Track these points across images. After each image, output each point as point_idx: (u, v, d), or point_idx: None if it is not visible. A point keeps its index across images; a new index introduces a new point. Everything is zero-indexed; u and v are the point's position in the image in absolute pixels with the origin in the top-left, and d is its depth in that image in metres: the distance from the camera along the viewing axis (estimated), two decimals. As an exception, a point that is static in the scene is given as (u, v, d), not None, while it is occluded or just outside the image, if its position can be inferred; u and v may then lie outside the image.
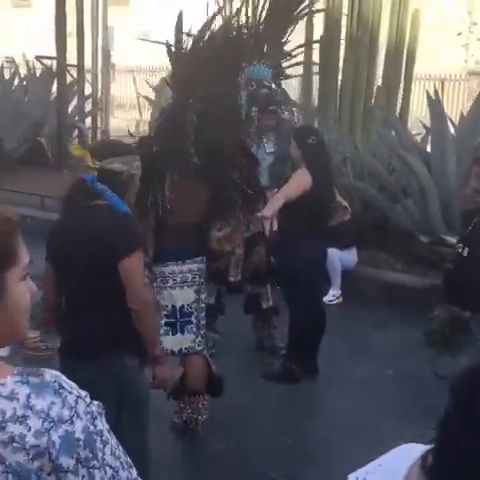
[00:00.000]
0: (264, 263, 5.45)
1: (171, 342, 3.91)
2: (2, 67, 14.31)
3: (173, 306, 3.97)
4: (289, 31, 5.23)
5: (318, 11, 6.59)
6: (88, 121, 12.03)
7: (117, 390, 2.76)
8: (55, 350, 4.58)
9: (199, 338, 4.03)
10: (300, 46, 5.43)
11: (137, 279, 2.80)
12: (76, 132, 11.58)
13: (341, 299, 6.69)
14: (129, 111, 20.45)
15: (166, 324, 3.92)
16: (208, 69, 4.04)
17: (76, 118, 11.90)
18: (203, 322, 4.07)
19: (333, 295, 6.65)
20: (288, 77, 5.59)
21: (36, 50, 13.51)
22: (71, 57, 11.73)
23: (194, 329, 4.00)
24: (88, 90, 12.18)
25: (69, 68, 11.94)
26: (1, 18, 23.35)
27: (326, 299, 6.29)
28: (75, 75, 11.93)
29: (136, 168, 2.97)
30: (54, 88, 12.11)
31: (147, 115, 20.09)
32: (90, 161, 2.86)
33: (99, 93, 12.76)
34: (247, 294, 5.54)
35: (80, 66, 11.81)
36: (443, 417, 1.16)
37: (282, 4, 5.24)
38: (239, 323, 5.67)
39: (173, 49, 4.16)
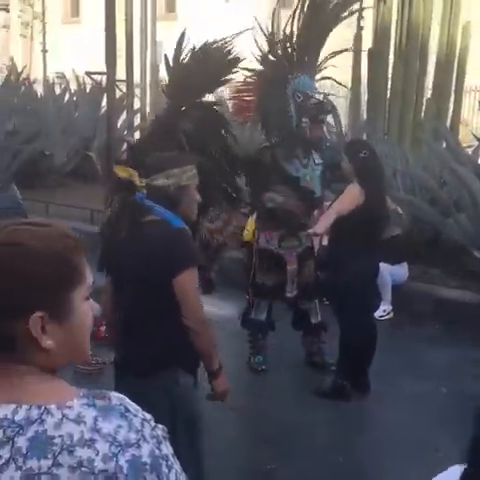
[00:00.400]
0: (313, 278, 5.41)
1: None
2: (53, 83, 14.60)
3: None
4: (327, 39, 5.30)
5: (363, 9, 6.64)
6: (137, 135, 12.15)
7: (170, 407, 2.74)
8: (106, 364, 4.63)
9: None
10: (335, 53, 5.41)
11: (192, 295, 2.77)
12: (125, 146, 11.71)
13: (392, 314, 6.59)
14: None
15: None
16: (199, 79, 4.39)
17: (125, 132, 12.03)
18: None
19: (384, 310, 6.55)
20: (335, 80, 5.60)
21: (86, 66, 13.74)
22: (120, 72, 11.88)
23: None
24: (137, 105, 12.32)
25: (118, 83, 12.09)
26: (52, 34, 23.76)
27: (377, 314, 6.21)
28: (124, 90, 12.07)
29: (188, 178, 2.89)
30: (104, 103, 12.27)
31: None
32: (138, 180, 2.84)
33: (147, 107, 12.89)
34: (296, 309, 5.50)
35: (129, 81, 11.95)
36: (472, 442, 1.12)
37: (321, 14, 5.29)
38: (288, 338, 5.62)
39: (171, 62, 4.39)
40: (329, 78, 5.48)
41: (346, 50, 5.79)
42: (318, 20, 5.25)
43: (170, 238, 2.77)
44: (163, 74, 15.66)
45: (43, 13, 21.32)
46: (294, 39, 5.21)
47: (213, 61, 4.43)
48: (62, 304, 1.21)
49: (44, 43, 21.39)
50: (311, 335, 5.52)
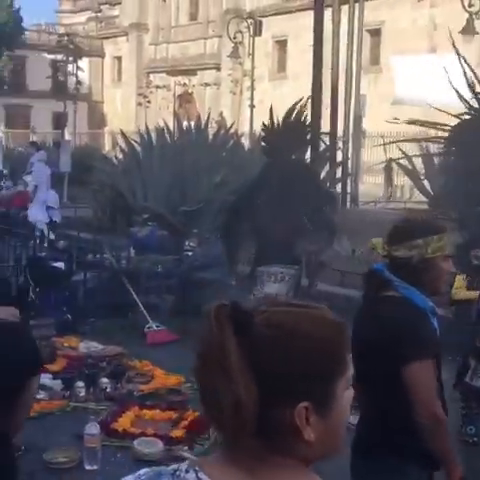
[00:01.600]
0: None
1: None
2: (259, 136, 15.12)
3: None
4: None
5: None
6: (338, 188, 12.21)
7: None
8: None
9: None
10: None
11: (424, 390, 2.45)
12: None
13: None
14: (377, 176, 20.51)
15: None
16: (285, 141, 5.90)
17: (327, 184, 12.14)
18: None
19: None
20: None
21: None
22: (325, 125, 12.07)
23: None
24: (340, 157, 12.41)
25: (322, 136, 12.28)
26: (259, 90, 24.76)
27: None
28: (328, 142, 12.23)
29: (434, 250, 2.52)
30: (308, 155, 12.49)
31: (397, 180, 20.04)
32: (381, 248, 2.59)
33: (349, 160, 12.94)
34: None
35: (333, 133, 12.08)
36: None
37: None
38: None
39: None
40: None
41: None
42: None
43: (404, 321, 2.47)
44: (365, 126, 15.78)
45: (252, 71, 22.33)
46: None
47: (293, 127, 5.55)
48: (327, 394, 1.14)
49: (252, 98, 22.36)
50: None
